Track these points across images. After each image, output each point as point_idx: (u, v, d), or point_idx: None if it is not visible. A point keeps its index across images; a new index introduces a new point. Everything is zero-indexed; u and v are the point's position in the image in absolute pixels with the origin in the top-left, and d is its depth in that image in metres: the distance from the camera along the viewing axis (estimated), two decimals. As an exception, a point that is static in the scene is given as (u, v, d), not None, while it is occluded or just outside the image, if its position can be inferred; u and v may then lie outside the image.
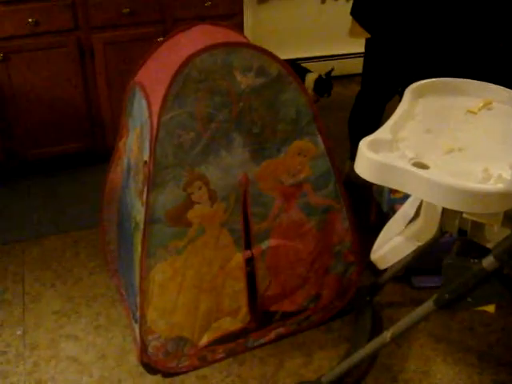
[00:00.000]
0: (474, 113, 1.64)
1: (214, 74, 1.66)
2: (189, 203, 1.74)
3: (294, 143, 1.82)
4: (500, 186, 1.29)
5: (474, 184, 1.30)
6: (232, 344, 1.98)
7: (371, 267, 1.91)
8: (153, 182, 1.69)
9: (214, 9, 2.88)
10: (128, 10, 2.73)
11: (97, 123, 2.93)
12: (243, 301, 1.91)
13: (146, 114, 1.72)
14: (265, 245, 1.87)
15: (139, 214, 1.77)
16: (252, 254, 1.87)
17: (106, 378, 1.92)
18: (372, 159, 1.37)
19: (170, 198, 1.72)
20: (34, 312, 2.17)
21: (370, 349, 1.73)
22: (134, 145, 1.87)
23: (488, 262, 1.45)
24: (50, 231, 2.61)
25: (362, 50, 2.54)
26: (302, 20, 3.78)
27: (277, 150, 1.80)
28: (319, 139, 1.84)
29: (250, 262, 1.89)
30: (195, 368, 1.95)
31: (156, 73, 1.83)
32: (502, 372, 1.95)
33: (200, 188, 1.74)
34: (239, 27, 2.98)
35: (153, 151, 1.67)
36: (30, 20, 2.60)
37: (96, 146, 2.98)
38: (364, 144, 1.40)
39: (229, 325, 1.93)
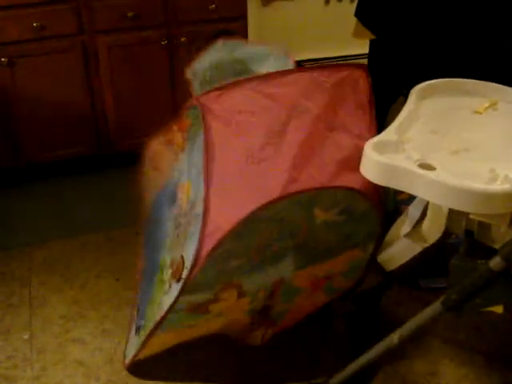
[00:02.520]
0: (480, 113, 1.63)
1: (289, 212, 1.46)
2: (214, 300, 1.59)
3: (345, 253, 1.66)
4: (507, 187, 1.28)
5: (481, 185, 1.29)
6: None
7: (378, 269, 1.91)
8: (185, 289, 1.51)
9: (218, 12, 2.88)
10: (132, 13, 2.73)
11: (102, 127, 2.93)
12: None
13: (201, 193, 1.47)
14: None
15: (166, 288, 1.61)
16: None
17: (113, 382, 1.91)
18: (377, 161, 1.36)
19: (196, 298, 1.57)
20: (40, 316, 2.17)
21: (377, 351, 1.72)
22: (183, 194, 1.66)
23: (495, 262, 1.44)
24: (56, 235, 2.61)
25: (367, 51, 2.53)
26: (306, 21, 3.77)
27: (325, 258, 1.66)
28: (370, 244, 1.68)
29: None
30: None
31: (234, 137, 1.54)
32: (510, 373, 1.94)
33: (232, 293, 1.60)
34: (243, 30, 2.98)
35: (193, 274, 1.46)
36: (34, 24, 2.60)
37: (101, 150, 2.98)
38: (369, 146, 1.40)
39: None
